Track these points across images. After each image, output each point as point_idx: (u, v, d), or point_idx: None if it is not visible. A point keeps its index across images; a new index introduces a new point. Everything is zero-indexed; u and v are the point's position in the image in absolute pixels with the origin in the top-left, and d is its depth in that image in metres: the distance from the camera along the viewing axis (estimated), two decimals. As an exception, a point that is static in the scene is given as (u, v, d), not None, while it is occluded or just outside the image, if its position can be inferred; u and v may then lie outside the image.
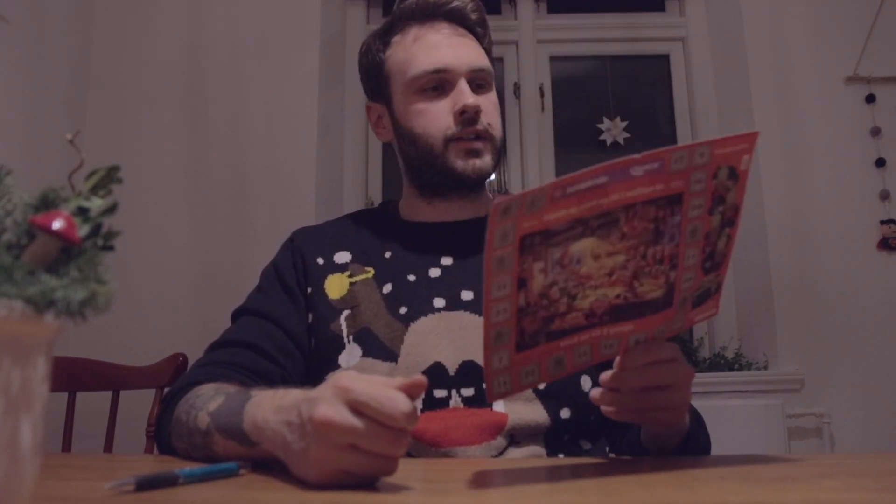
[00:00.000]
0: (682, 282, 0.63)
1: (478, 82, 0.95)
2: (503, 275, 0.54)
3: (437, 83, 0.93)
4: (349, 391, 0.51)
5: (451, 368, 0.84)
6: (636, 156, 0.55)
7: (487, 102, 0.95)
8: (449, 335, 0.86)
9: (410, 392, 0.52)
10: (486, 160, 0.93)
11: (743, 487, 0.54)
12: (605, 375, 0.68)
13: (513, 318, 0.57)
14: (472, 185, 0.94)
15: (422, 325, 0.87)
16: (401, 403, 0.50)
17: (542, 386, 0.83)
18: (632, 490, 0.53)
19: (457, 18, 0.97)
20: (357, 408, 0.51)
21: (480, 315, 0.86)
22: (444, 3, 0.96)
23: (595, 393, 0.70)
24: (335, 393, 0.52)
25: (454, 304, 0.89)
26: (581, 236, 0.56)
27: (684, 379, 0.68)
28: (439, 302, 0.89)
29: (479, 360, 0.84)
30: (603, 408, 0.70)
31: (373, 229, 1.00)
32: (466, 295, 0.89)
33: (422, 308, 0.88)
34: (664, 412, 0.69)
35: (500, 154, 0.97)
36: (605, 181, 0.54)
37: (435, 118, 0.93)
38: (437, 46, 0.94)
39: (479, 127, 0.92)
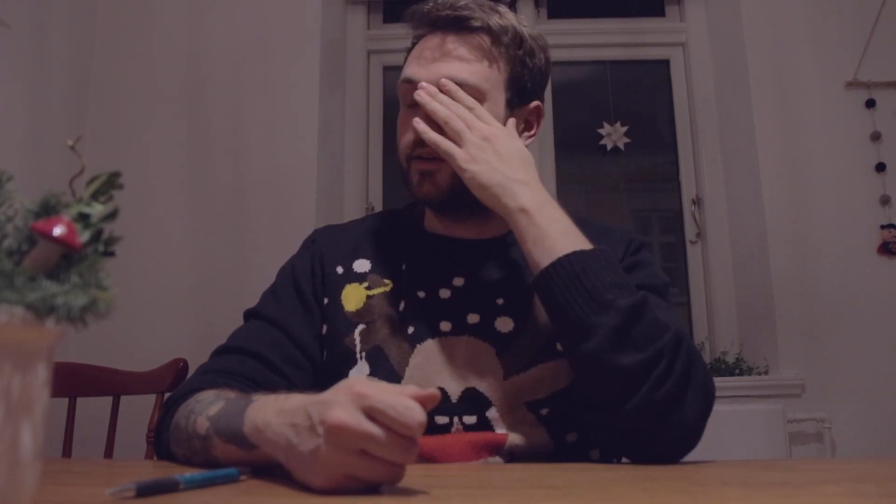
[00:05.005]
0: None
1: None
2: None
3: (410, 94, 0.88)
4: (365, 397, 0.51)
5: (454, 396, 0.83)
6: None
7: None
8: (452, 362, 0.85)
9: (423, 403, 0.51)
10: (438, 182, 0.87)
11: (744, 493, 0.54)
12: None
13: None
14: (439, 207, 0.91)
15: (427, 347, 0.86)
16: (417, 413, 0.50)
17: (544, 411, 0.82)
18: (634, 495, 0.53)
19: (461, 28, 0.89)
20: (372, 414, 0.51)
21: (484, 340, 0.86)
22: (443, 11, 0.89)
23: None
24: (350, 398, 0.52)
25: (460, 328, 0.87)
26: None
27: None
28: (445, 326, 0.87)
29: (482, 388, 0.83)
30: None
31: (394, 237, 0.97)
32: (472, 318, 0.87)
33: (428, 330, 0.87)
34: None
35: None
36: None
37: (404, 132, 0.90)
38: (418, 57, 0.90)
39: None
